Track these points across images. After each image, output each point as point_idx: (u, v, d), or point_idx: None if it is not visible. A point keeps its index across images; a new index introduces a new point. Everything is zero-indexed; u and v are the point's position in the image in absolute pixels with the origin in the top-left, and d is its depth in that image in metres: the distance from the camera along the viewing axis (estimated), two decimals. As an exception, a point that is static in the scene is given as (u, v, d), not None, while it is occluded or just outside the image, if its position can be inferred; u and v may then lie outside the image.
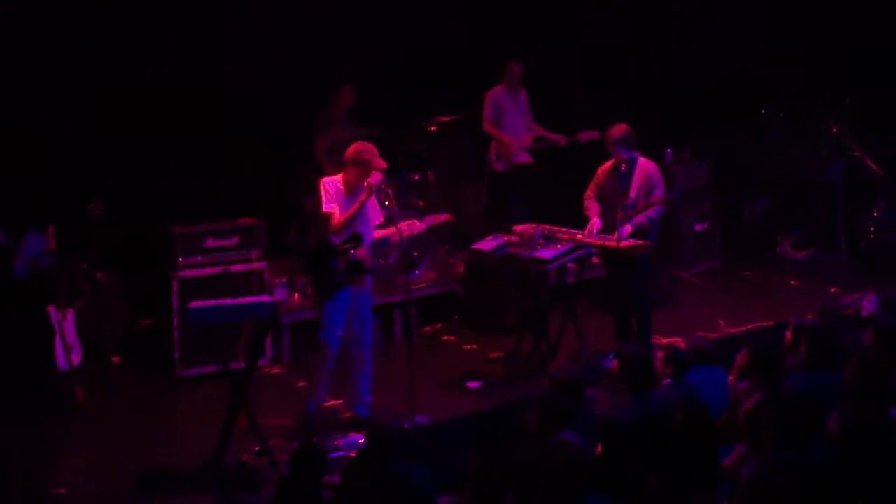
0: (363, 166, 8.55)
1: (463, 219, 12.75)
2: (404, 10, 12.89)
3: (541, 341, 9.96)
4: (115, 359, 10.02)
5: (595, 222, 9.73)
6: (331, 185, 8.57)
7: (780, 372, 7.16)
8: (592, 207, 9.83)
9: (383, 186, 8.50)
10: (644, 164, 9.70)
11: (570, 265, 10.10)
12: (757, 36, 14.15)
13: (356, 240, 8.51)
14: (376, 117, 12.09)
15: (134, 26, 11.24)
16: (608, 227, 9.60)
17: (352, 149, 8.65)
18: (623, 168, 9.67)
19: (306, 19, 12.25)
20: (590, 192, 9.90)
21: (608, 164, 9.84)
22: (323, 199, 8.53)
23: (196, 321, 8.52)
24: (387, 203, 8.60)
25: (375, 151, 8.64)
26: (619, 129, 9.68)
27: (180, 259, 9.91)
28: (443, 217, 9.23)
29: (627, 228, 9.43)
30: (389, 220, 8.80)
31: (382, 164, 8.63)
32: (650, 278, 9.95)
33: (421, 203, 11.50)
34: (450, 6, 13.46)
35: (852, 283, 11.58)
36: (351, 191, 8.59)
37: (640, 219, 9.52)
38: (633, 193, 9.58)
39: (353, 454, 7.75)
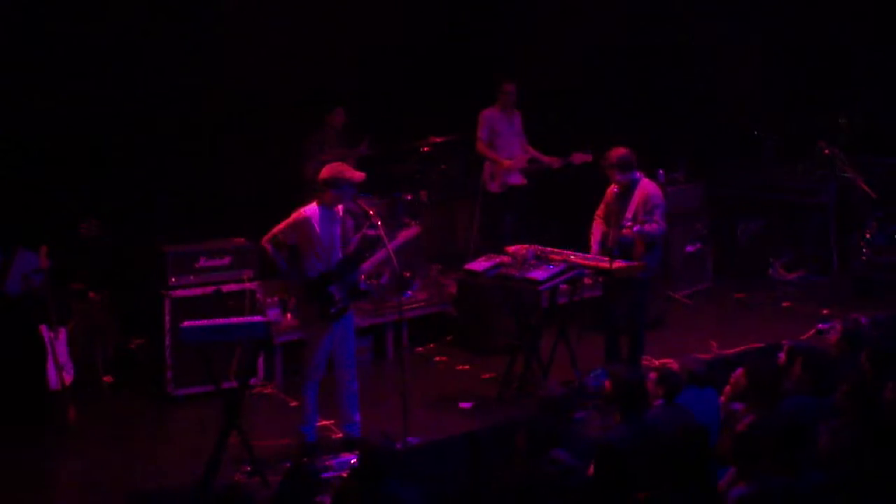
0: (340, 186, 8.51)
1: (456, 239, 12.76)
2: (398, 31, 12.93)
3: (533, 362, 9.96)
4: (107, 378, 9.99)
5: (593, 248, 9.78)
6: (310, 214, 8.54)
7: (778, 395, 7.16)
8: (596, 230, 9.85)
9: (371, 213, 8.43)
10: (645, 186, 9.71)
11: (563, 286, 10.08)
12: (752, 58, 14.21)
13: (339, 267, 8.53)
14: (369, 138, 12.08)
15: (124, 45, 11.24)
16: (608, 247, 9.61)
17: (325, 171, 8.56)
18: (616, 190, 9.71)
19: (300, 40, 12.28)
20: (599, 212, 9.93)
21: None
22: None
23: (188, 341, 8.51)
24: (378, 223, 8.56)
25: (349, 168, 8.63)
26: (616, 153, 9.69)
27: (172, 279, 9.88)
28: (411, 232, 9.20)
29: (630, 232, 9.41)
30: (377, 242, 8.76)
31: (360, 175, 8.60)
32: (646, 301, 9.95)
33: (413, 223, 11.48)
34: (443, 26, 13.49)
35: (844, 304, 11.60)
36: (327, 214, 8.57)
37: (651, 227, 9.50)
38: (629, 214, 9.59)
39: (345, 474, 7.73)
